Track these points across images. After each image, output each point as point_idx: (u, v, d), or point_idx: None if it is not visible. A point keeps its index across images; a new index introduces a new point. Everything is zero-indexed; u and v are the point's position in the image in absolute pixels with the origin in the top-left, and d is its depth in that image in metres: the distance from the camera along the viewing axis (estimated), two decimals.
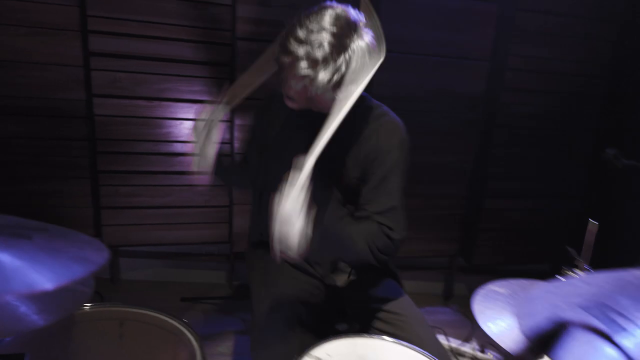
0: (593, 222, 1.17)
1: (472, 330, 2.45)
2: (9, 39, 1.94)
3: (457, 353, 2.15)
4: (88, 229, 2.21)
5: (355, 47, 1.10)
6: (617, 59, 2.51)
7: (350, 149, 1.30)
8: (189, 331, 1.15)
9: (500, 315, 1.26)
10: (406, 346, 1.17)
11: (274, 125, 1.40)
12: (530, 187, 2.62)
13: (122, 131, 2.15)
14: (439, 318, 2.56)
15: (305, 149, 1.12)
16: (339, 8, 1.12)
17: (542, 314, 0.69)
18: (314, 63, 1.07)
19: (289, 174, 1.12)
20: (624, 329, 0.63)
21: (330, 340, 1.15)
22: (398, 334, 1.27)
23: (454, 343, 2.21)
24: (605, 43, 2.48)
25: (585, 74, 2.51)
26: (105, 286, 2.42)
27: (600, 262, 1.19)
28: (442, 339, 2.20)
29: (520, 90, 2.46)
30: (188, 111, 2.21)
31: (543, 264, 2.79)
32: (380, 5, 2.20)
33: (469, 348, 2.09)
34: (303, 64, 1.08)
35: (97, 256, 0.62)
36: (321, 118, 1.17)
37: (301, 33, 1.08)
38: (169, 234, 2.33)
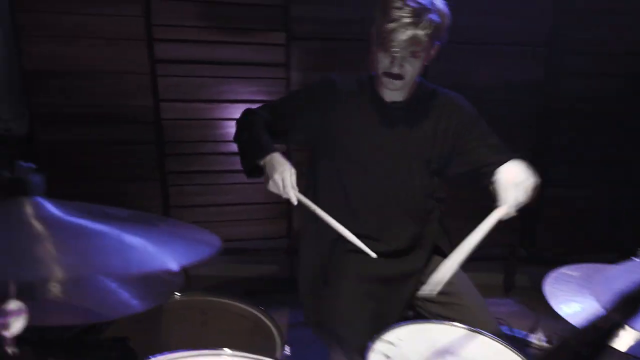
0: None
1: (537, 321, 2.40)
2: (83, 50, 2.09)
3: (523, 344, 2.11)
4: None
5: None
6: None
7: (432, 130, 1.39)
8: (267, 318, 1.22)
9: (574, 297, 1.25)
10: (474, 331, 1.18)
11: (344, 122, 1.41)
12: (592, 174, 2.52)
13: (186, 134, 2.27)
14: (501, 310, 2.51)
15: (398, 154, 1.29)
16: None
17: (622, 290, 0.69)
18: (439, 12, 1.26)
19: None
20: None
21: (401, 324, 1.18)
22: (458, 319, 1.28)
23: (519, 334, 2.18)
24: None
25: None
26: None
27: None
28: (505, 330, 2.17)
29: (580, 74, 2.37)
30: None
31: (608, 254, 2.68)
32: None
33: (534, 339, 2.05)
34: (433, 15, 1.23)
35: (214, 240, 0.68)
36: (403, 113, 1.32)
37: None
38: (232, 230, 2.43)
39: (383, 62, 1.29)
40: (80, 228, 0.63)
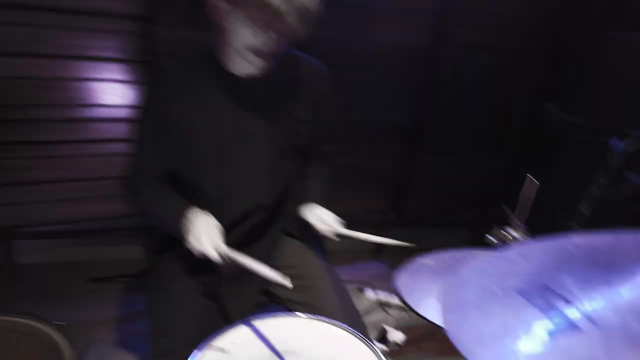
0: (532, 180, 1.15)
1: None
2: None
3: (384, 304, 2.25)
4: None
5: None
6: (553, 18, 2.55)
7: (294, 97, 1.30)
8: (60, 336, 1.06)
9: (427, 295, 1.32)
10: (319, 320, 1.13)
11: (188, 106, 1.21)
12: (466, 144, 2.71)
13: (15, 94, 1.84)
14: (368, 273, 2.61)
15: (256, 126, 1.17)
16: None
17: (471, 303, 0.69)
18: None
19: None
20: (573, 325, 0.63)
21: (238, 325, 1.08)
22: (312, 304, 1.26)
23: (382, 295, 2.30)
24: None
25: (524, 31, 2.54)
26: None
27: (533, 220, 1.23)
28: (370, 292, 2.29)
29: (461, 46, 2.46)
30: (94, 71, 1.95)
31: (473, 217, 2.93)
32: None
33: (396, 299, 2.22)
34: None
35: None
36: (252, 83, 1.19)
37: None
38: (76, 210, 2.09)
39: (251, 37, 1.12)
40: None
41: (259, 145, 1.26)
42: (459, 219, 3.01)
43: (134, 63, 2.00)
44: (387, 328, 1.60)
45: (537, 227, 1.22)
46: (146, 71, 2.00)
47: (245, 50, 1.12)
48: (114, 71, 1.99)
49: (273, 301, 1.38)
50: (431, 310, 1.29)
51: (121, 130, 2.06)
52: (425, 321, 1.24)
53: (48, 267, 2.25)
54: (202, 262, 1.14)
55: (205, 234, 1.12)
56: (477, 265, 0.84)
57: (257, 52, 1.12)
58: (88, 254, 2.35)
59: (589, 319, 0.63)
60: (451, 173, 2.79)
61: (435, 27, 2.39)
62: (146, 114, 1.24)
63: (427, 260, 1.54)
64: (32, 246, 2.24)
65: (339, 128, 1.55)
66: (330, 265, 1.44)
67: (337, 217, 1.37)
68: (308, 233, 1.42)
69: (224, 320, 1.24)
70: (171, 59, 1.23)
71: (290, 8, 1.05)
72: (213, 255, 1.09)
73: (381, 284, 2.41)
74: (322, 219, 1.36)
